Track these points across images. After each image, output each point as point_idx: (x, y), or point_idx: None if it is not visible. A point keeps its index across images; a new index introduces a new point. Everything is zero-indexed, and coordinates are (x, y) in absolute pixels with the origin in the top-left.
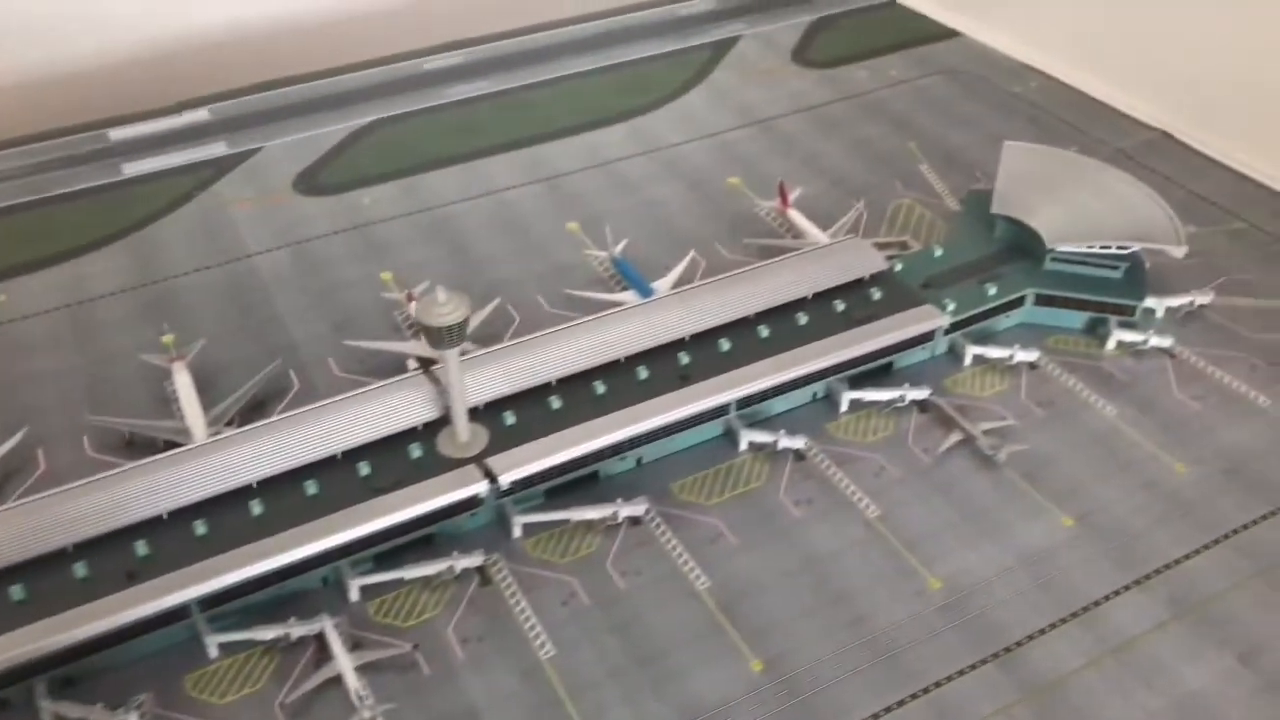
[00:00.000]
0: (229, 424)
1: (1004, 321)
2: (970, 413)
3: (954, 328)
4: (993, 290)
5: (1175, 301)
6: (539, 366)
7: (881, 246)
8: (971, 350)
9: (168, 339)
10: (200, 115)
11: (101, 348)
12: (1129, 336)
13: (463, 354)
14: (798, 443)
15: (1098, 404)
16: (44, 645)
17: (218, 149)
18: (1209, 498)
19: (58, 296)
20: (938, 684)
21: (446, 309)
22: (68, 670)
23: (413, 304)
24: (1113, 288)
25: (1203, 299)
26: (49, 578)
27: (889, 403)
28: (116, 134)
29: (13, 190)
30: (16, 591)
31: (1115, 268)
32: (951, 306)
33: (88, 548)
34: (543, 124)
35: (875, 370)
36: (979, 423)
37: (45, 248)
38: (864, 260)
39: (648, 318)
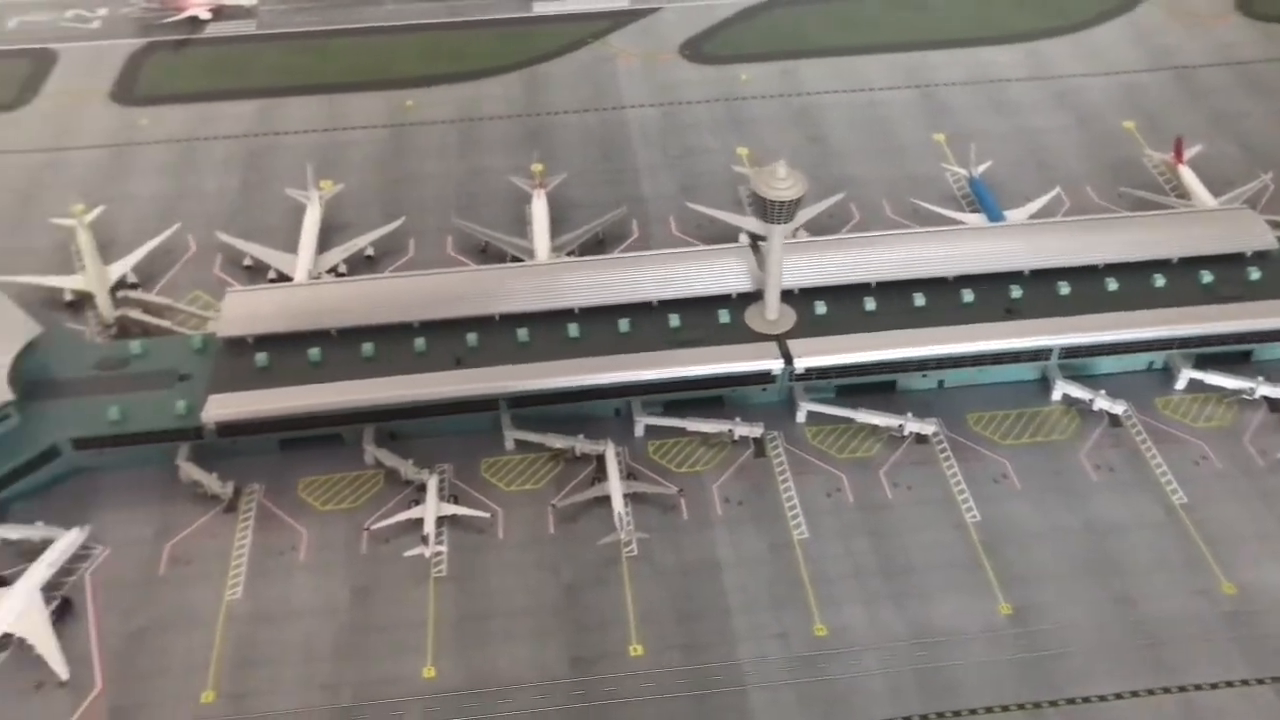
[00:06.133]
0: (570, 254)
1: None
2: None
3: None
4: None
5: None
6: (862, 265)
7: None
8: None
9: (537, 167)
10: None
11: (479, 163)
12: None
13: (793, 236)
14: (1117, 407)
15: None
16: (379, 398)
17: (621, 2)
18: None
19: (454, 110)
20: (1197, 687)
21: (785, 184)
22: (392, 426)
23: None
24: None
25: None
26: (394, 345)
27: (1234, 392)
28: None
29: (436, 10)
30: (367, 349)
31: None
32: None
33: (429, 328)
34: (931, 30)
35: (1229, 355)
36: None
37: (453, 66)
38: (1250, 234)
39: (986, 241)
